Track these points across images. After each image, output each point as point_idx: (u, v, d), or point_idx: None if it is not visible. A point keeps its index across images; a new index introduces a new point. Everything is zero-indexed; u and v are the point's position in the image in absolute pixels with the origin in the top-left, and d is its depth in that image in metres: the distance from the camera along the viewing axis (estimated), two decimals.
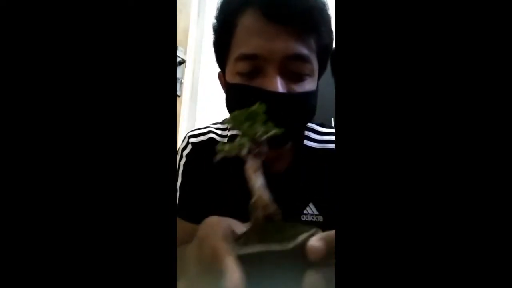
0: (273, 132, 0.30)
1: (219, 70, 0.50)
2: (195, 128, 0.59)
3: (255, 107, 0.30)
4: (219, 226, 0.27)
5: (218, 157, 0.29)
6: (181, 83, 1.42)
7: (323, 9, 0.44)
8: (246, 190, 0.29)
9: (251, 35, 0.41)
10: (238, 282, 0.21)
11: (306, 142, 0.55)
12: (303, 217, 0.51)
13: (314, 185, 0.52)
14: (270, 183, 0.29)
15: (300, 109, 0.44)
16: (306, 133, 0.56)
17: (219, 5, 0.46)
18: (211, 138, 0.56)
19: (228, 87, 0.47)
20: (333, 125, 0.67)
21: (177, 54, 1.39)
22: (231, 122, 0.30)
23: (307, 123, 0.53)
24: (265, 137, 0.30)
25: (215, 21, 0.47)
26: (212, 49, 0.50)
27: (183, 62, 1.44)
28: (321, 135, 0.56)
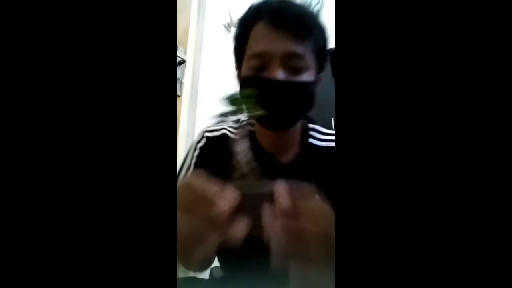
0: (260, 112, 0.38)
1: (235, 68, 0.65)
2: (210, 125, 0.67)
3: (248, 91, 0.38)
4: (199, 174, 0.32)
5: (224, 109, 0.37)
6: (181, 83, 1.42)
7: (316, 17, 0.59)
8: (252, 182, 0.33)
9: (260, 39, 0.56)
10: (235, 195, 0.28)
11: (311, 140, 0.62)
12: None
13: (318, 182, 0.53)
14: (275, 174, 0.34)
15: (298, 95, 0.55)
16: (311, 133, 0.63)
17: (238, 20, 0.62)
18: (224, 134, 0.63)
19: (241, 80, 0.60)
20: (333, 126, 0.69)
21: (177, 54, 1.39)
22: (228, 100, 0.37)
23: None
24: (253, 114, 0.38)
25: (236, 31, 0.62)
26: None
27: (183, 62, 1.43)
28: (325, 135, 0.63)
